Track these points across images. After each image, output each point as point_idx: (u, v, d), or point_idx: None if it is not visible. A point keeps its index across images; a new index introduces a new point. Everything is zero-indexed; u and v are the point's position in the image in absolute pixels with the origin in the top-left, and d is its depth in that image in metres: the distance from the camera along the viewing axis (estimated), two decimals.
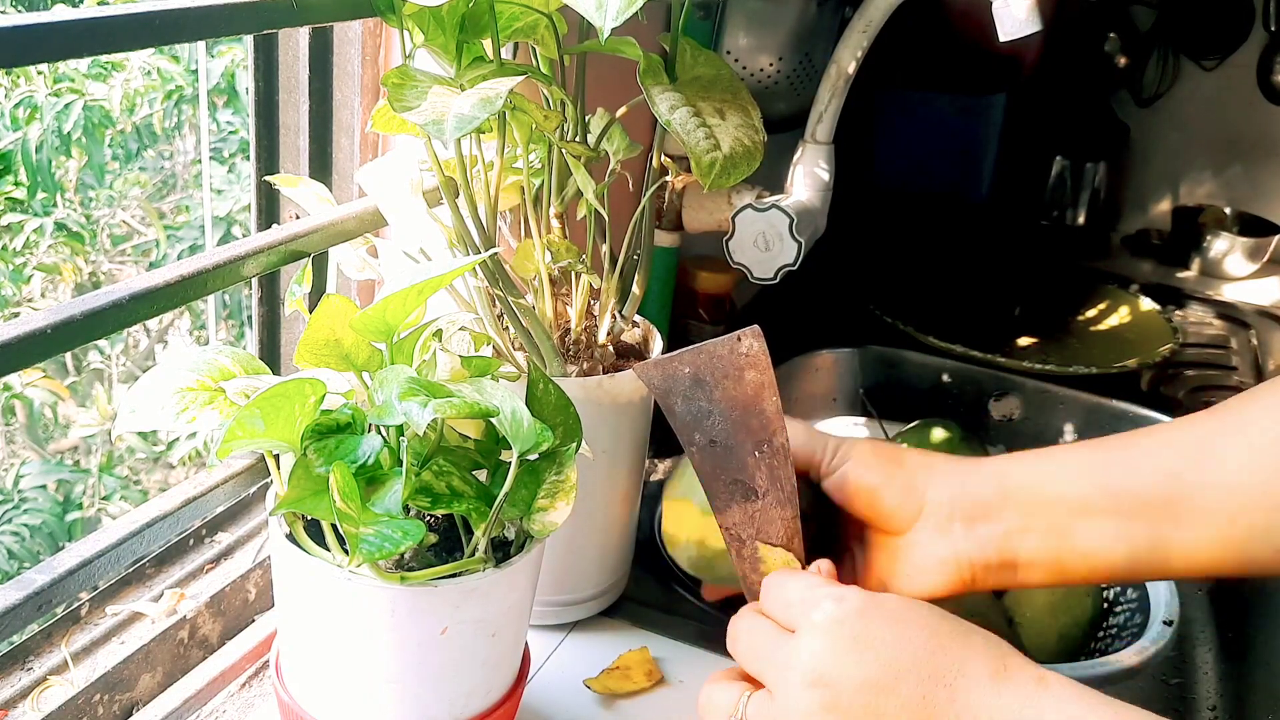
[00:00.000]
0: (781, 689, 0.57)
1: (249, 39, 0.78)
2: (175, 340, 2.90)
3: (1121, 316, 1.59)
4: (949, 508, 0.67)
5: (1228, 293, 1.78)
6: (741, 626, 0.61)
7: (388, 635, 0.59)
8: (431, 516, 0.65)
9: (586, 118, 0.75)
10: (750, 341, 0.64)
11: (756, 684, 0.60)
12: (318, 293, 0.81)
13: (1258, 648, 0.99)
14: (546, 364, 0.74)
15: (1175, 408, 1.33)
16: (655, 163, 0.79)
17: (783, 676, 0.57)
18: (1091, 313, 1.62)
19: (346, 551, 0.59)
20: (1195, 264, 1.86)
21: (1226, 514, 0.63)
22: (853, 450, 0.69)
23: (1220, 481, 0.63)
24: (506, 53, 0.72)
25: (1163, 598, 0.95)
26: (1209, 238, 1.84)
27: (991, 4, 0.90)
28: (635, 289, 0.79)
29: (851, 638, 0.55)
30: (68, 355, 2.55)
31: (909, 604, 0.58)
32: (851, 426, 1.31)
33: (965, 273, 1.68)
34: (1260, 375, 1.50)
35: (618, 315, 0.80)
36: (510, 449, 0.59)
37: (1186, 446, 0.65)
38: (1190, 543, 0.64)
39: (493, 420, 0.59)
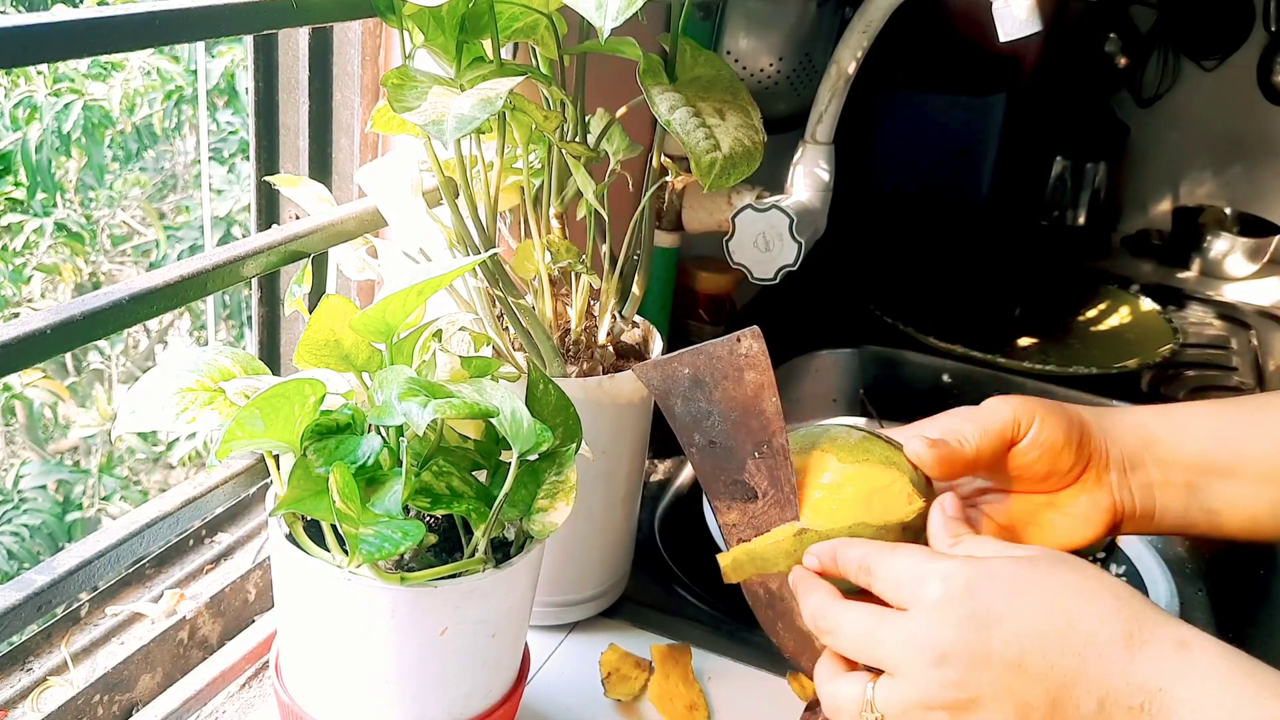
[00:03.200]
0: (906, 670, 0.54)
1: (249, 39, 0.78)
2: (175, 341, 2.90)
3: (1122, 317, 1.59)
4: (1106, 459, 0.67)
5: (1228, 293, 1.78)
6: (842, 618, 0.58)
7: (388, 636, 0.59)
8: (431, 517, 0.65)
9: (586, 118, 0.75)
10: (750, 342, 0.64)
11: (871, 671, 0.57)
12: (317, 293, 0.81)
13: (1258, 648, 0.99)
14: (546, 364, 0.74)
15: None
16: (655, 163, 0.79)
17: (905, 658, 0.54)
18: (1092, 313, 1.62)
19: (346, 552, 0.59)
20: (1195, 264, 1.86)
21: None
22: (1027, 411, 0.66)
23: None
24: (506, 53, 0.72)
25: (1163, 597, 0.95)
26: (1209, 238, 1.84)
27: (991, 4, 0.90)
28: (635, 289, 0.79)
29: (969, 614, 0.53)
30: (68, 355, 2.55)
31: (1023, 570, 0.55)
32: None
33: (965, 273, 1.68)
34: (1260, 376, 1.50)
35: (618, 316, 0.80)
36: (510, 449, 0.59)
37: None
38: None
39: (493, 421, 0.59)
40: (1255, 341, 1.61)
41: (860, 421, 1.30)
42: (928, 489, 0.65)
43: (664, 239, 1.13)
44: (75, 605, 0.71)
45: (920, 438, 0.65)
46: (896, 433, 0.67)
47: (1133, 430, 0.68)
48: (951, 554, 0.59)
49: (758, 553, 0.64)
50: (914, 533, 0.64)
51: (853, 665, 0.58)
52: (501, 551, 0.64)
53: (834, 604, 0.59)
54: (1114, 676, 0.51)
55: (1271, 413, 0.68)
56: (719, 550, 0.66)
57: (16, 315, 2.29)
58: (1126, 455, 0.67)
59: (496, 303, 0.75)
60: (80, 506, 2.47)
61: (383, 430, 0.60)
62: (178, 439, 2.47)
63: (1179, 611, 0.93)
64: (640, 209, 0.77)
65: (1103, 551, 1.06)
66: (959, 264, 1.69)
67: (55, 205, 2.51)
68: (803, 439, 0.67)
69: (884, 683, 0.55)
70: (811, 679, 0.67)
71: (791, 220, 1.00)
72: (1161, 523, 0.68)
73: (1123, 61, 1.95)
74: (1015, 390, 1.35)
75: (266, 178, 0.77)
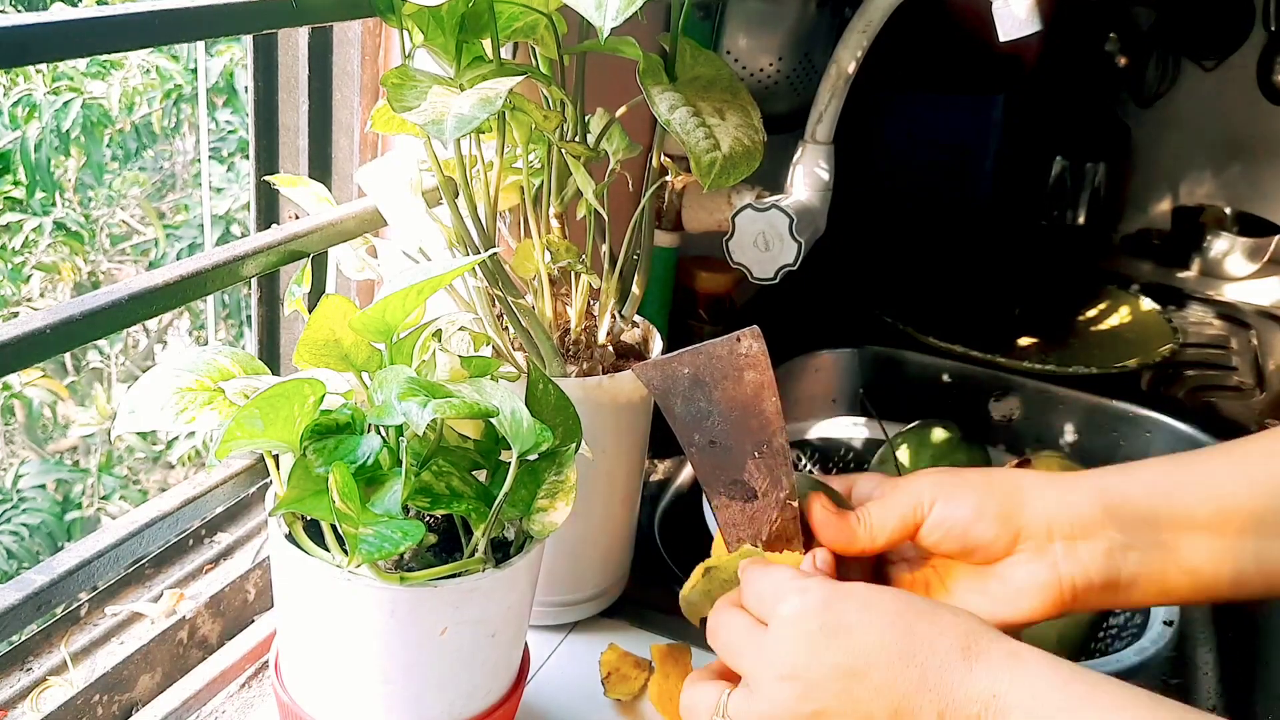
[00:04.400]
0: (757, 683, 0.57)
1: (248, 39, 0.78)
2: (175, 340, 2.90)
3: (1122, 316, 1.59)
4: (1047, 528, 0.62)
5: (1228, 293, 1.78)
6: (720, 620, 0.61)
7: (387, 636, 0.59)
8: (431, 516, 0.65)
9: (586, 118, 0.75)
10: (750, 342, 0.64)
11: (735, 679, 0.60)
12: (317, 293, 0.81)
13: (1258, 647, 0.99)
14: (546, 364, 0.74)
15: (1175, 408, 1.33)
16: (655, 163, 0.79)
17: (758, 670, 0.57)
18: (1092, 313, 1.62)
19: (346, 552, 0.59)
20: (1195, 264, 1.86)
21: None
22: (936, 490, 0.64)
23: None
24: (506, 53, 0.72)
25: None
26: (1209, 238, 1.84)
27: (992, 4, 0.90)
28: (635, 289, 0.79)
29: (819, 628, 0.56)
30: (67, 355, 2.55)
31: (876, 590, 0.57)
32: (851, 426, 1.31)
33: (965, 273, 1.68)
34: (1260, 375, 1.50)
35: (617, 315, 0.79)
36: (510, 449, 0.59)
37: None
38: None
39: (492, 420, 0.59)
40: (1255, 341, 1.61)
41: (860, 421, 1.30)
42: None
43: (664, 239, 1.13)
44: (75, 605, 0.71)
45: (821, 502, 0.65)
46: (837, 482, 0.68)
47: (1088, 496, 0.63)
48: (813, 575, 0.60)
49: (689, 596, 0.66)
50: None
51: (724, 674, 0.61)
52: (501, 551, 0.64)
53: (722, 614, 0.61)
54: (953, 687, 0.53)
55: (1247, 459, 0.63)
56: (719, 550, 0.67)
57: (16, 314, 2.29)
58: (1079, 524, 0.62)
59: (496, 302, 0.75)
60: (79, 506, 2.47)
61: (382, 430, 0.60)
62: (177, 438, 2.47)
63: (1179, 613, 0.93)
64: (640, 209, 0.77)
65: None
66: (959, 264, 1.69)
67: (54, 204, 2.51)
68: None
69: (738, 692, 0.58)
70: None
71: (791, 220, 1.00)
72: (1134, 592, 0.63)
73: (1123, 61, 1.95)
74: (1015, 390, 1.36)
75: (266, 177, 0.77)
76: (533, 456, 0.61)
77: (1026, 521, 0.63)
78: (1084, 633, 0.98)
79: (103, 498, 2.52)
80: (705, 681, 0.61)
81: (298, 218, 0.77)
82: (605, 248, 0.78)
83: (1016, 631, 0.61)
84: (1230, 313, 1.70)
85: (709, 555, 0.67)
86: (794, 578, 0.59)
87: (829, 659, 0.55)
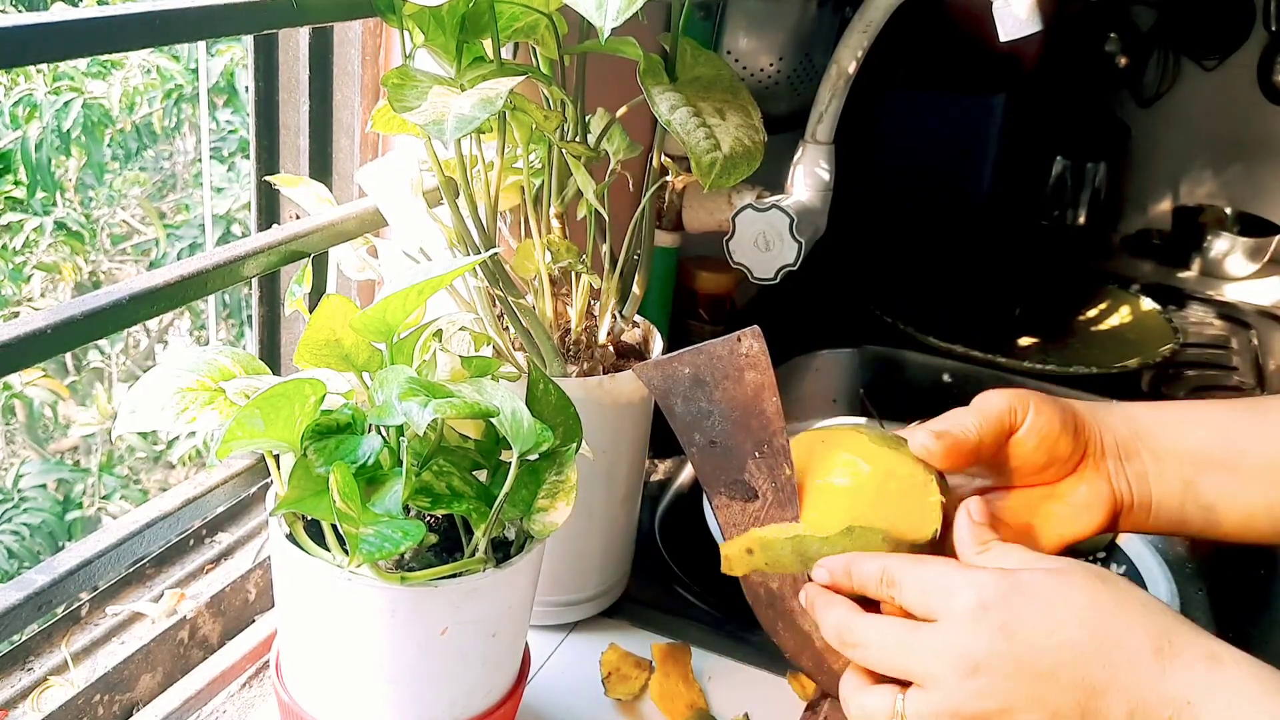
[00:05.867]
0: (934, 682, 0.54)
1: (249, 39, 0.78)
2: (175, 340, 2.90)
3: (1122, 316, 1.59)
4: (1102, 447, 0.66)
5: (1228, 293, 1.78)
6: (869, 631, 0.58)
7: (388, 635, 0.59)
8: (431, 516, 0.65)
9: (586, 118, 0.75)
10: (750, 342, 0.64)
11: (898, 683, 0.57)
12: (318, 293, 0.81)
13: (1258, 648, 0.99)
14: (547, 364, 0.74)
15: None
16: (655, 163, 0.79)
17: (935, 669, 0.54)
18: (1092, 313, 1.62)
19: (346, 551, 0.59)
20: (1196, 264, 1.86)
21: None
22: (1023, 400, 0.66)
23: None
24: (506, 53, 0.72)
25: (1163, 597, 0.95)
26: (1209, 238, 1.84)
27: (992, 4, 0.90)
28: (635, 289, 0.79)
29: (1000, 624, 0.53)
30: (68, 355, 2.55)
31: (1061, 582, 0.55)
32: None
33: (965, 273, 1.68)
34: (1260, 375, 1.50)
35: (618, 315, 0.80)
36: (510, 449, 0.59)
37: None
38: None
39: (493, 420, 0.59)
40: (1255, 341, 1.61)
41: (860, 421, 1.30)
42: (942, 484, 0.65)
43: (664, 239, 1.13)
44: (75, 605, 0.71)
45: (925, 430, 0.65)
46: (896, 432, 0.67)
47: (1125, 421, 0.67)
48: (980, 564, 0.59)
49: (769, 541, 0.63)
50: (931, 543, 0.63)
51: (876, 679, 0.58)
52: (502, 551, 0.64)
53: (859, 618, 0.59)
54: (1143, 688, 0.51)
55: (1272, 412, 0.67)
56: (721, 549, 0.66)
57: (16, 314, 2.29)
58: (1121, 443, 0.66)
59: (497, 302, 0.75)
60: (80, 505, 2.47)
61: (383, 430, 0.60)
62: (178, 438, 2.47)
63: (1179, 611, 0.93)
64: (640, 209, 0.77)
65: (1103, 551, 1.06)
66: (959, 263, 1.69)
67: (55, 204, 2.51)
68: (814, 435, 0.66)
69: (914, 694, 0.55)
70: (811, 678, 0.67)
71: (792, 220, 1.00)
72: (1158, 517, 0.67)
73: (1123, 61, 1.95)
74: None
75: (267, 177, 0.77)
76: (533, 456, 0.61)
77: (1089, 438, 0.66)
78: None
79: (103, 497, 2.52)
80: (870, 688, 0.58)
81: (298, 218, 0.77)
82: (606, 248, 0.78)
83: (1072, 549, 0.62)
84: (1231, 313, 1.70)
85: (714, 555, 0.66)
86: (959, 569, 0.57)
87: (1015, 656, 0.53)
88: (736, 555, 0.65)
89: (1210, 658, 0.51)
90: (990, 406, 0.66)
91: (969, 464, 0.65)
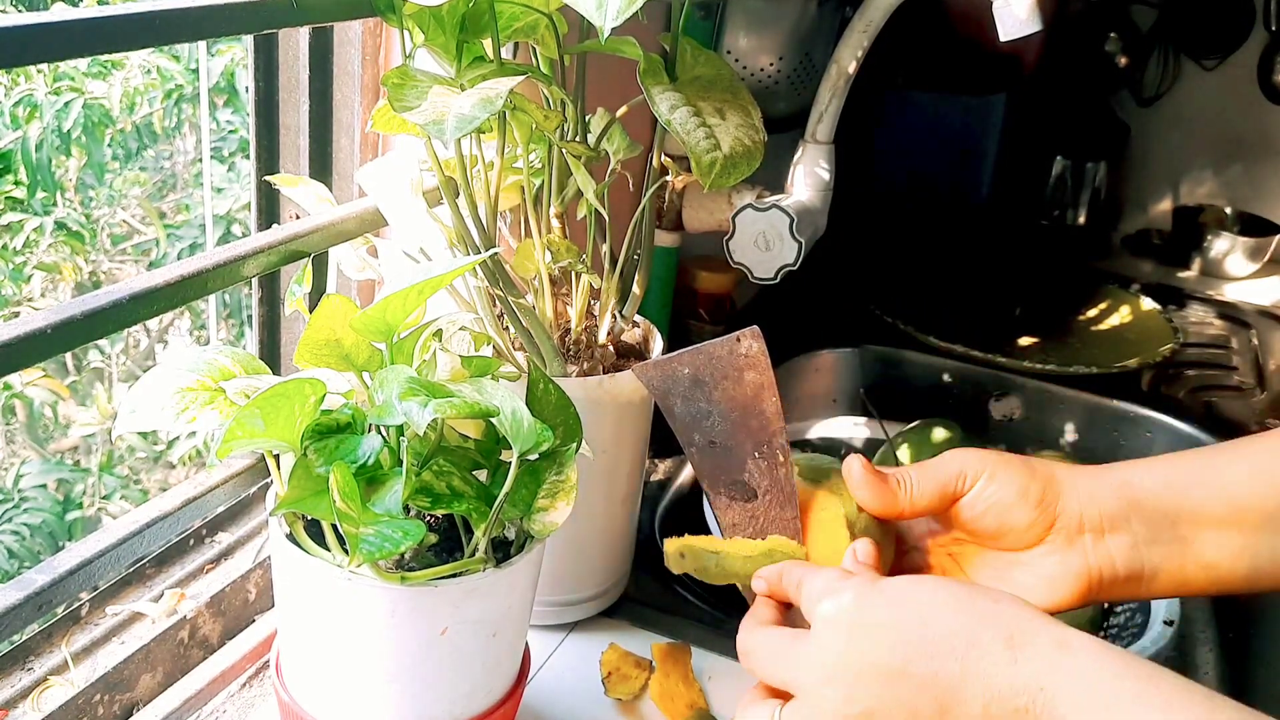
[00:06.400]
0: (803, 692, 0.55)
1: (249, 39, 0.78)
2: (175, 340, 2.90)
3: (1122, 316, 1.59)
4: (1079, 519, 0.63)
5: (1228, 293, 1.78)
6: (754, 642, 0.59)
7: (388, 635, 0.59)
8: (431, 516, 0.65)
9: (586, 118, 0.75)
10: (750, 342, 0.64)
11: (784, 696, 0.58)
12: (318, 293, 0.81)
13: (1258, 648, 0.99)
14: (547, 364, 0.74)
15: (1176, 408, 1.33)
16: (655, 163, 0.79)
17: (801, 679, 0.56)
18: (1092, 313, 1.62)
19: (346, 551, 0.59)
20: (1196, 264, 1.86)
21: None
22: (981, 464, 0.64)
23: None
24: (506, 53, 0.72)
25: (1164, 601, 0.95)
26: (1209, 238, 1.84)
27: (992, 4, 0.90)
28: (635, 289, 0.79)
29: (851, 627, 0.54)
30: (68, 355, 2.55)
31: (912, 582, 0.56)
32: (851, 426, 1.31)
33: (965, 272, 1.68)
34: (1261, 375, 1.50)
35: (618, 315, 0.80)
36: (510, 449, 0.59)
37: None
38: None
39: (493, 420, 0.59)
40: (1255, 341, 1.61)
41: (861, 421, 1.30)
42: (871, 527, 0.64)
43: (664, 239, 1.13)
44: (76, 605, 0.71)
45: (861, 461, 0.64)
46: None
47: (1114, 490, 0.64)
48: (856, 573, 0.59)
49: (697, 551, 0.65)
50: None
51: (773, 691, 0.59)
52: (502, 551, 0.64)
53: (753, 629, 0.60)
54: (997, 678, 0.51)
55: (1262, 454, 0.64)
56: (664, 545, 0.67)
57: (16, 314, 2.29)
58: (1106, 517, 0.63)
59: (497, 302, 0.75)
60: (80, 505, 2.47)
61: (383, 430, 0.60)
62: (178, 438, 2.47)
63: (1179, 612, 0.93)
64: (640, 209, 0.77)
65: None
66: (959, 264, 1.69)
67: (55, 204, 2.51)
68: None
69: (789, 708, 0.56)
70: None
71: (792, 220, 1.00)
72: (1155, 584, 0.64)
73: (1123, 61, 1.95)
74: (1015, 390, 1.36)
75: (267, 177, 0.77)
76: (533, 456, 0.61)
77: (1061, 511, 0.63)
78: (1084, 631, 0.98)
79: (104, 497, 2.52)
80: (756, 702, 0.59)
81: (298, 218, 0.77)
82: (606, 248, 0.78)
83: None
84: (1231, 312, 1.70)
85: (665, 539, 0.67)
86: (838, 578, 0.58)
87: (868, 658, 0.53)
88: (673, 555, 0.66)
89: (1060, 644, 0.51)
90: (941, 465, 0.64)
91: (897, 514, 0.65)
